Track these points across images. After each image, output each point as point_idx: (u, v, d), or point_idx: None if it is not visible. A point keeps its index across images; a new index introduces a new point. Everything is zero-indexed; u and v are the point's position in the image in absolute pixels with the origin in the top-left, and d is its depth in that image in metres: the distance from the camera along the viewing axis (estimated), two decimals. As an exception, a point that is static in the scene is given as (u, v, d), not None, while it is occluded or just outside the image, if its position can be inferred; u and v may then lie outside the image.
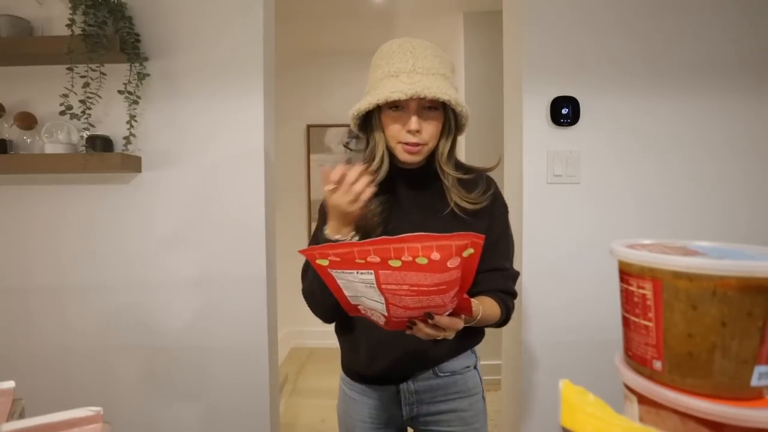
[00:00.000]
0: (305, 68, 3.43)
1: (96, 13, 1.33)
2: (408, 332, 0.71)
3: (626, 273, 0.42)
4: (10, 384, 0.46)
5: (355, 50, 3.36)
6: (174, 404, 1.50)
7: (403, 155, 0.85)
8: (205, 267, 1.48)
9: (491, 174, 0.98)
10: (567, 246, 1.46)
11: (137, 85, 1.42)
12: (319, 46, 3.31)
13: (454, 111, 0.83)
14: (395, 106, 0.82)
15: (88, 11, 1.32)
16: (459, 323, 0.71)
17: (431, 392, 0.91)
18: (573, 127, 1.44)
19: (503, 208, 0.95)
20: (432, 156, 0.88)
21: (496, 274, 0.91)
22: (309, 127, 3.46)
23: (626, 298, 0.42)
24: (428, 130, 0.83)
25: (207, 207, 1.48)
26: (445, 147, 0.87)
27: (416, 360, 0.89)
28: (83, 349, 1.49)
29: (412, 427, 0.97)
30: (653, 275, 0.39)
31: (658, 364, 0.39)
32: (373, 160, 0.86)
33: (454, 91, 0.81)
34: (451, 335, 0.71)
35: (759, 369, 0.36)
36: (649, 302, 0.39)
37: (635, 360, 0.42)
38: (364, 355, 0.91)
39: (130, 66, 1.41)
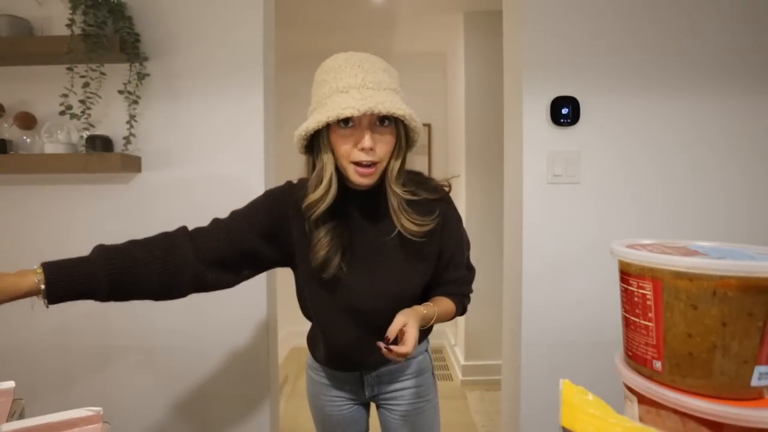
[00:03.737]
0: (305, 68, 3.42)
1: (96, 13, 1.33)
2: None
3: (626, 273, 0.42)
4: (10, 384, 0.46)
5: (355, 50, 3.35)
6: (174, 404, 1.50)
7: (355, 177, 0.79)
8: (205, 267, 1.48)
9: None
10: (567, 246, 1.46)
11: (137, 85, 1.42)
12: (320, 46, 3.31)
13: (406, 127, 0.80)
14: (345, 123, 0.76)
15: (88, 11, 1.32)
16: (414, 343, 0.76)
17: (390, 375, 0.99)
18: (573, 127, 1.44)
19: (456, 223, 0.93)
20: (383, 174, 0.83)
21: (453, 286, 0.95)
22: (309, 127, 3.46)
23: (626, 298, 0.43)
24: (382, 147, 0.78)
25: (207, 207, 1.47)
26: (395, 165, 0.82)
27: (376, 361, 0.95)
28: (83, 349, 1.49)
29: (374, 401, 1.05)
30: (653, 275, 0.39)
31: (658, 364, 0.39)
32: (320, 184, 0.80)
33: (406, 106, 0.77)
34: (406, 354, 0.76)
35: (759, 369, 0.36)
36: (649, 302, 0.40)
37: (635, 360, 0.42)
38: (332, 353, 0.97)
39: (130, 66, 1.41)
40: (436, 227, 0.86)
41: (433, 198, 0.87)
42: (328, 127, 0.78)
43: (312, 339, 1.05)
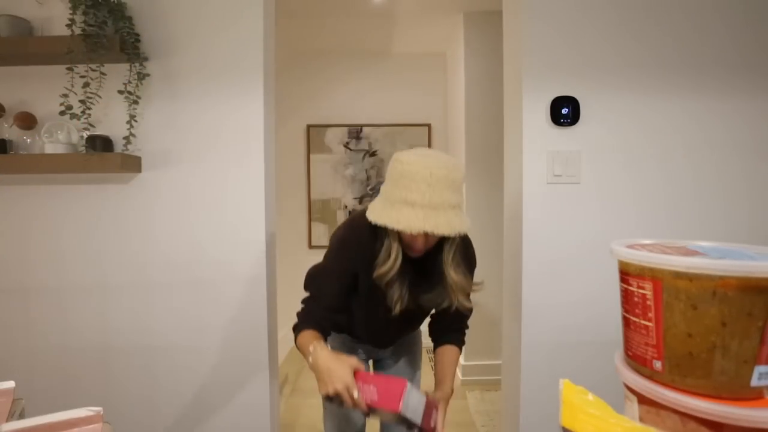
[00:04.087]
0: (305, 68, 3.43)
1: (96, 13, 1.33)
2: None
3: (626, 273, 0.42)
4: (10, 384, 0.46)
5: (355, 50, 3.36)
6: (174, 404, 1.50)
7: (410, 253, 1.03)
8: (204, 267, 1.48)
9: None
10: (567, 246, 1.46)
11: (137, 85, 1.42)
12: (319, 46, 3.31)
13: None
14: None
15: (88, 11, 1.32)
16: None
17: (398, 346, 1.33)
18: (573, 127, 1.44)
19: (473, 265, 1.15)
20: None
21: (458, 316, 1.15)
22: (309, 126, 3.46)
23: (626, 298, 0.42)
24: (433, 240, 0.99)
25: (207, 207, 1.48)
26: (449, 253, 1.03)
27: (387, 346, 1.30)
28: (83, 349, 1.49)
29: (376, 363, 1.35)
30: (653, 275, 0.39)
31: (658, 364, 0.39)
32: (388, 260, 1.02)
33: (459, 221, 0.94)
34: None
35: (759, 369, 0.36)
36: (649, 302, 0.40)
37: (635, 360, 0.42)
38: (357, 347, 1.28)
39: (130, 66, 1.41)
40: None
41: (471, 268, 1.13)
42: None
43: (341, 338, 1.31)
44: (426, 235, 0.95)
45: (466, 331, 1.22)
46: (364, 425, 1.32)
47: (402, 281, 1.06)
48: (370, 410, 0.91)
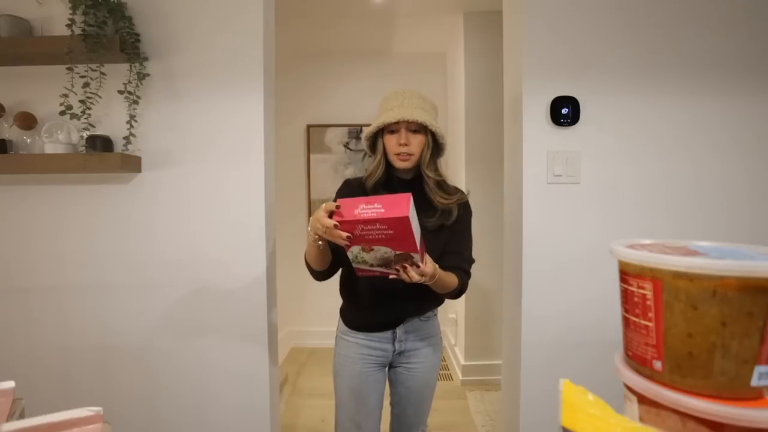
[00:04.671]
0: (305, 68, 3.43)
1: (96, 13, 1.33)
2: (399, 276, 1.02)
3: (626, 273, 0.42)
4: (10, 384, 0.46)
5: (355, 50, 3.36)
6: (174, 404, 1.50)
7: (397, 162, 1.18)
8: (204, 267, 1.48)
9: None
10: (567, 246, 1.46)
11: (137, 85, 1.42)
12: (319, 46, 3.31)
13: (433, 134, 1.17)
14: (392, 130, 1.16)
15: (88, 11, 1.32)
16: (432, 268, 1.03)
17: (415, 332, 1.27)
18: (573, 127, 1.44)
19: (469, 212, 1.27)
20: (419, 171, 1.20)
21: (456, 256, 1.22)
22: (309, 126, 3.46)
23: (626, 298, 0.43)
24: (414, 143, 1.16)
25: (207, 207, 1.48)
26: (426, 155, 1.18)
27: (406, 310, 1.25)
28: (83, 349, 1.49)
29: (396, 364, 1.29)
30: (653, 275, 0.39)
31: (658, 364, 0.39)
32: (374, 163, 1.21)
33: (432, 120, 1.16)
34: (428, 279, 1.04)
35: (759, 369, 0.36)
36: (649, 302, 0.40)
37: (635, 360, 0.42)
38: (371, 311, 1.24)
39: (130, 66, 1.41)
40: (459, 209, 1.22)
41: (458, 190, 1.25)
42: (382, 132, 1.19)
43: (349, 310, 1.30)
44: (407, 132, 1.14)
45: (467, 281, 1.21)
46: None
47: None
48: (365, 250, 0.96)
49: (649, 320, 0.40)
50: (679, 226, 1.44)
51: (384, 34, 3.09)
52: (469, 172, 2.83)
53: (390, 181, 1.23)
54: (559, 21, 1.43)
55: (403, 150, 1.16)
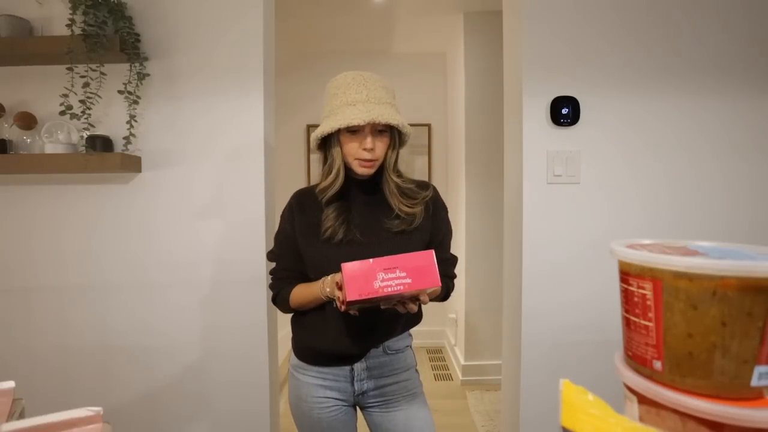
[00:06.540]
0: (305, 68, 3.43)
1: (96, 13, 1.33)
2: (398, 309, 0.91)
3: (626, 273, 0.42)
4: (10, 384, 0.46)
5: (355, 50, 3.36)
6: (174, 404, 1.50)
7: (359, 169, 1.00)
8: (204, 267, 1.48)
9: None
10: (567, 246, 1.46)
11: (137, 85, 1.42)
12: (319, 46, 3.31)
13: (399, 131, 1.00)
14: (353, 130, 0.96)
15: (88, 11, 1.32)
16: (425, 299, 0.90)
17: (379, 368, 1.06)
18: (573, 127, 1.44)
19: (444, 210, 1.11)
20: (380, 168, 1.03)
21: (441, 264, 1.06)
22: (309, 126, 3.46)
23: (626, 298, 0.43)
24: (380, 147, 0.99)
25: (207, 207, 1.48)
26: (391, 158, 1.02)
27: (375, 333, 1.05)
28: (83, 349, 1.49)
29: (360, 404, 1.10)
30: (653, 275, 0.39)
31: (658, 364, 0.39)
32: (330, 173, 1.01)
33: (399, 116, 0.98)
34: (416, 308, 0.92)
35: (759, 369, 0.36)
36: (649, 302, 0.40)
37: (635, 360, 0.42)
38: (332, 337, 1.04)
39: (130, 66, 1.41)
40: (427, 207, 1.05)
41: (421, 187, 1.07)
42: (338, 131, 0.97)
43: (299, 338, 1.14)
44: (373, 135, 0.96)
45: (452, 285, 1.11)
46: None
47: (342, 209, 1.02)
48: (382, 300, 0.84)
49: (649, 320, 0.40)
50: (678, 226, 1.44)
51: (384, 34, 3.09)
52: (469, 171, 2.83)
53: (346, 189, 1.03)
54: (559, 21, 1.43)
55: (368, 156, 0.97)
